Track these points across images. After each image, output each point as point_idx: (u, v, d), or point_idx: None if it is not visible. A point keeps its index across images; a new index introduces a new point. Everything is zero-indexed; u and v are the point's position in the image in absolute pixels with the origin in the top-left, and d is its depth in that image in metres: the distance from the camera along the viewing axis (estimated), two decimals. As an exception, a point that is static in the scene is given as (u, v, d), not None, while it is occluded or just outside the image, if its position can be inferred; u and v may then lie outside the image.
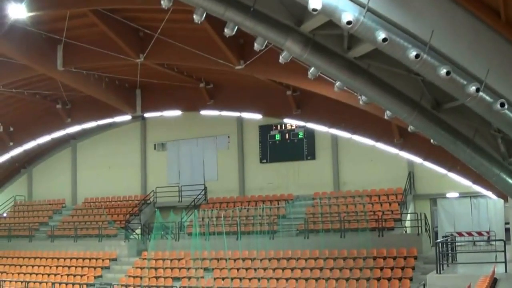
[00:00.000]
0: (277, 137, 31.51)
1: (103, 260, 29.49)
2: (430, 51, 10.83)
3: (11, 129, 32.98)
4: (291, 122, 30.30)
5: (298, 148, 30.90)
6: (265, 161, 31.79)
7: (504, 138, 13.36)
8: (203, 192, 32.22)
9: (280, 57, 13.50)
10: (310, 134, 30.47)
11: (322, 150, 30.41)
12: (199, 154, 33.38)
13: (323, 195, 29.06)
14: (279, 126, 31.33)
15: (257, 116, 28.95)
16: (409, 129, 15.48)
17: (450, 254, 20.67)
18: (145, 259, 28.18)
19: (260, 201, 29.97)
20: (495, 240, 22.91)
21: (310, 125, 28.06)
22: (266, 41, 13.07)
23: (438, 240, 20.56)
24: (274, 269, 24.87)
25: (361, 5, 10.50)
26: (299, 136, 30.97)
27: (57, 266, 29.95)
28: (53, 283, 27.99)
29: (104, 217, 32.43)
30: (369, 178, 28.61)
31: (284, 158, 31.17)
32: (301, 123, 28.72)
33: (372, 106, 17.44)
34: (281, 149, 31.29)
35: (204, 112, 29.75)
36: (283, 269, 24.75)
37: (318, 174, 30.30)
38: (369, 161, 28.70)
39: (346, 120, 25.69)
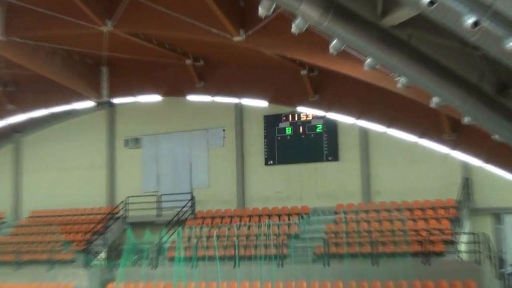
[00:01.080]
0: (288, 131, 31.66)
1: (56, 294, 29.64)
2: (493, 17, 10.88)
3: None
4: (306, 111, 30.50)
5: (316, 146, 31.04)
6: (271, 162, 31.95)
7: None
8: (190, 204, 32.39)
9: (293, 25, 13.57)
10: (331, 127, 30.61)
11: (347, 148, 30.59)
12: (184, 153, 33.53)
13: (348, 208, 29.18)
14: (290, 116, 31.54)
15: (262, 104, 29.02)
16: (464, 121, 15.55)
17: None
18: (113, 292, 28.38)
19: (265, 215, 30.13)
20: None
21: (332, 116, 28.14)
22: (274, 4, 13.16)
23: (506, 270, 20.63)
24: (283, 306, 25.06)
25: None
26: (317, 130, 31.12)
27: (-8, 304, 30.12)
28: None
29: (57, 237, 32.51)
30: (409, 186, 28.78)
31: (297, 159, 31.35)
32: (320, 113, 28.82)
33: (414, 91, 17.51)
34: (293, 147, 31.44)
35: (191, 98, 29.87)
36: (296, 306, 24.93)
37: (342, 181, 30.51)
38: (410, 164, 28.91)
39: (379, 109, 25.81)
